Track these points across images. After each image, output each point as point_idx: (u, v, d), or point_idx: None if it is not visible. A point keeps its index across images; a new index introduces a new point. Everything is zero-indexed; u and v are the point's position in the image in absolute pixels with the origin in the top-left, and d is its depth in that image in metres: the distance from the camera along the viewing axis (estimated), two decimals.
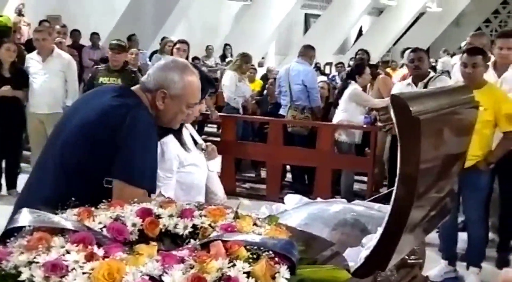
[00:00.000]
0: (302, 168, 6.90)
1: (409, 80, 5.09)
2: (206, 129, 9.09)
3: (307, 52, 6.88)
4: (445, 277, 4.35)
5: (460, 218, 4.60)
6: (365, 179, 6.47)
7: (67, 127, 2.09)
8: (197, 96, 2.21)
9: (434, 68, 6.40)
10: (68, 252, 1.30)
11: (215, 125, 8.98)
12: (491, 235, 4.94)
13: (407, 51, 5.46)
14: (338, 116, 6.21)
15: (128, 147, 1.97)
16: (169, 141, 2.44)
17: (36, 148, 6.31)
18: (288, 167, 7.14)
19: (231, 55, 12.04)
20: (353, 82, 6.17)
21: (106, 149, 1.98)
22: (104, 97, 2.11)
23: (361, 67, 6.40)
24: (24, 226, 1.46)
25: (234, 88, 7.19)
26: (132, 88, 2.20)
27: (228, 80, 7.23)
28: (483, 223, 4.38)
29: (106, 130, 2.00)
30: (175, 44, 6.22)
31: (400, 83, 5.35)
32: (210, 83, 2.51)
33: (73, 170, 2.01)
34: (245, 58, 7.41)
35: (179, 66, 2.17)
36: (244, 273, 1.30)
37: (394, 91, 5.14)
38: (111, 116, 2.02)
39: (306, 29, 19.06)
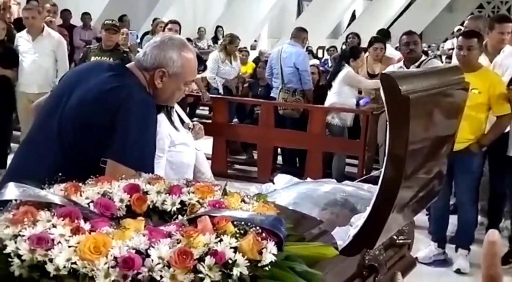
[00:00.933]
0: (293, 151, 6.91)
1: (401, 63, 5.09)
2: (198, 111, 9.07)
3: (300, 34, 6.85)
4: (434, 259, 4.39)
5: (451, 201, 4.63)
6: (356, 162, 6.48)
7: (63, 107, 2.06)
8: (195, 73, 2.21)
9: (426, 53, 6.39)
10: (54, 226, 1.29)
11: (206, 108, 8.95)
12: (480, 218, 4.98)
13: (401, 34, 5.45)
14: (331, 99, 6.21)
15: (125, 127, 1.96)
16: (161, 120, 2.43)
17: (26, 128, 6.26)
18: (279, 150, 7.14)
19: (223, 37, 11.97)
20: (346, 65, 6.15)
21: (103, 130, 1.96)
22: (101, 77, 2.07)
23: (356, 51, 6.37)
24: (10, 200, 1.45)
25: (215, 68, 7.22)
26: (128, 66, 2.17)
27: (211, 61, 7.26)
28: (473, 206, 4.42)
29: (103, 112, 1.98)
30: (166, 24, 6.18)
31: (392, 66, 5.34)
32: (198, 60, 2.50)
33: (71, 149, 1.99)
34: (230, 38, 7.47)
35: (176, 43, 2.14)
36: (231, 248, 1.29)
37: None
38: (108, 98, 2.00)
39: (299, 12, 18.98)
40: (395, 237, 2.38)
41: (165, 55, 2.10)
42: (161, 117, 2.39)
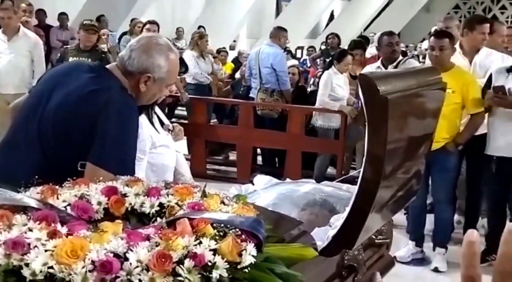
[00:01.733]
0: (272, 151, 6.91)
1: (378, 63, 5.12)
2: (176, 112, 9.02)
3: (277, 33, 6.84)
4: (412, 258, 4.42)
5: (428, 200, 4.66)
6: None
7: (43, 109, 2.02)
8: (176, 75, 2.20)
9: (404, 54, 6.44)
10: (30, 229, 1.27)
11: (184, 108, 8.91)
12: (457, 217, 5.04)
13: (378, 34, 5.48)
14: (317, 100, 6.17)
15: (105, 130, 1.93)
16: (142, 121, 2.41)
17: (2, 129, 6.17)
18: (258, 150, 7.14)
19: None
20: (332, 67, 6.13)
21: (83, 133, 1.94)
22: (81, 78, 2.04)
23: (342, 55, 6.31)
24: None
25: (196, 65, 7.21)
26: (108, 67, 2.13)
27: (189, 59, 7.23)
28: (450, 205, 4.46)
29: (84, 115, 1.95)
30: (144, 25, 6.14)
31: (370, 66, 5.37)
32: (180, 62, 2.48)
33: (51, 152, 1.96)
34: (198, 34, 7.55)
35: (164, 48, 2.11)
36: (210, 250, 1.29)
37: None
38: (88, 101, 1.97)
39: (277, 12, 19.00)
40: (374, 237, 2.39)
41: (153, 62, 2.07)
42: (142, 119, 2.37)
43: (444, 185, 4.32)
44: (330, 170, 6.74)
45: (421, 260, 4.45)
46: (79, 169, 1.88)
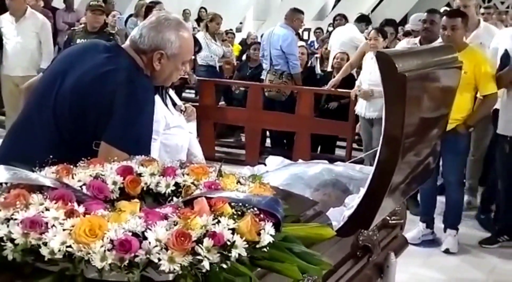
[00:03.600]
0: (281, 133, 6.88)
1: (416, 40, 5.03)
2: (184, 94, 9.01)
3: (292, 15, 6.72)
4: (422, 239, 4.41)
5: (438, 181, 4.64)
6: (344, 144, 6.48)
7: (58, 88, 2.00)
8: (192, 51, 2.16)
9: (408, 34, 6.36)
10: (47, 209, 1.26)
11: (193, 91, 8.88)
12: (466, 198, 5.02)
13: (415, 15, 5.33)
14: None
15: (121, 110, 1.90)
16: (156, 102, 2.39)
17: (11, 111, 6.18)
18: (267, 133, 7.11)
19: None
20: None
21: (100, 113, 1.91)
22: (97, 58, 2.01)
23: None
24: (1, 183, 1.41)
25: (206, 47, 7.18)
26: (124, 47, 2.10)
27: (200, 40, 7.18)
28: (461, 186, 4.45)
29: (100, 95, 1.93)
30: (150, 6, 6.08)
31: (406, 41, 5.27)
32: (194, 42, 2.44)
33: (67, 131, 1.95)
34: (211, 17, 7.48)
35: (173, 24, 2.07)
36: (229, 229, 1.27)
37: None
38: (105, 81, 1.94)
39: None
40: (388, 218, 2.38)
41: (163, 36, 2.04)
42: (156, 100, 2.34)
43: (455, 166, 4.30)
44: (340, 152, 6.72)
45: (431, 241, 4.44)
46: (93, 148, 1.86)
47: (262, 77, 6.84)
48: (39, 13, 6.35)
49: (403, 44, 5.17)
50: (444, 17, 4.17)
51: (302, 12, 6.87)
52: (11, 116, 6.17)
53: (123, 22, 9.53)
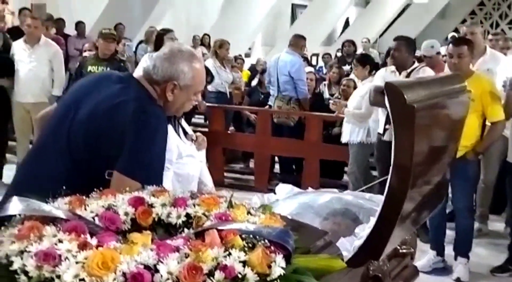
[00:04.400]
0: (289, 159, 6.89)
1: (393, 67, 5.08)
2: (193, 120, 9.05)
3: (297, 42, 6.81)
4: (433, 267, 4.37)
5: (448, 208, 4.62)
6: None
7: (72, 118, 2.03)
8: (204, 82, 2.20)
9: (419, 59, 6.37)
10: (60, 241, 1.27)
11: (202, 116, 8.94)
12: (477, 225, 4.99)
13: (427, 42, 5.41)
14: None
15: (134, 140, 1.93)
16: (169, 131, 2.41)
17: (22, 138, 6.24)
18: (276, 158, 7.12)
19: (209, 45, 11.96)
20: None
21: (113, 143, 1.94)
22: (110, 89, 2.05)
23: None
24: (15, 215, 1.43)
25: (217, 74, 7.23)
26: (136, 77, 2.14)
27: (210, 67, 7.24)
28: (471, 213, 4.42)
29: (114, 125, 1.96)
30: (161, 33, 6.16)
31: (384, 69, 5.32)
32: (206, 72, 2.48)
33: (81, 161, 1.97)
34: (220, 43, 7.50)
35: (186, 55, 2.11)
36: (240, 262, 1.28)
37: (378, 78, 5.14)
38: (119, 111, 1.98)
39: (293, 19, 18.99)
40: (398, 247, 2.37)
41: (177, 68, 2.08)
42: (168, 129, 2.37)
43: (465, 193, 4.28)
44: (346, 177, 6.71)
45: (442, 269, 4.40)
46: (106, 177, 1.88)
47: (270, 103, 6.88)
48: (52, 41, 6.44)
49: (382, 73, 5.21)
50: (450, 45, 4.20)
51: (305, 38, 6.97)
52: (22, 142, 6.22)
53: (132, 49, 9.65)
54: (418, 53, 5.73)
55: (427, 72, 4.79)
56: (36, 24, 5.96)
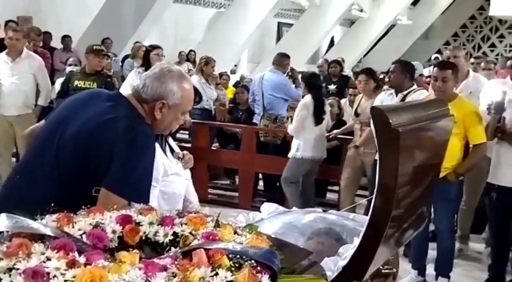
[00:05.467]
0: (273, 176, 6.91)
1: (392, 90, 5.15)
2: (178, 135, 9.04)
3: (282, 60, 6.86)
4: None
5: (430, 228, 4.66)
6: (337, 188, 6.50)
7: (61, 135, 2.04)
8: (192, 102, 2.23)
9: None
10: (48, 258, 1.28)
11: (187, 132, 8.94)
12: (458, 245, 5.03)
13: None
14: None
15: (121, 157, 1.95)
16: (156, 149, 2.43)
17: (4, 151, 6.19)
18: (260, 175, 7.14)
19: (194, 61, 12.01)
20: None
21: (101, 160, 1.95)
22: (99, 107, 2.07)
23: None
24: (2, 232, 1.43)
25: (203, 91, 7.26)
26: (125, 95, 2.16)
27: (196, 84, 7.26)
28: (452, 234, 4.46)
29: (102, 142, 1.98)
30: (149, 49, 6.18)
31: (383, 92, 5.40)
32: (194, 92, 2.50)
33: (69, 179, 1.98)
34: (205, 60, 7.53)
35: (176, 75, 2.15)
36: (227, 281, 1.29)
37: (377, 100, 5.22)
38: (107, 128, 2.00)
39: (278, 37, 19.14)
40: (380, 267, 2.39)
41: (166, 87, 2.11)
42: (155, 147, 2.38)
43: (446, 214, 4.33)
44: (332, 196, 6.75)
45: None
46: (93, 194, 1.89)
47: (255, 121, 6.91)
48: (34, 54, 6.39)
49: (381, 95, 5.31)
50: (435, 69, 4.27)
51: (289, 57, 7.04)
52: (4, 155, 6.18)
53: (119, 64, 9.65)
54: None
55: (424, 95, 4.84)
56: (17, 36, 5.92)
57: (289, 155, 5.85)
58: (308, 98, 5.75)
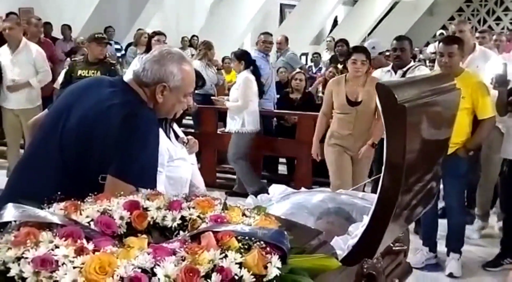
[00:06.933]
0: (275, 158, 6.96)
1: (389, 67, 5.10)
2: (184, 121, 9.03)
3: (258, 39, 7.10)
4: (426, 263, 4.41)
5: (440, 205, 4.65)
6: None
7: (64, 123, 2.03)
8: (193, 84, 2.21)
9: (414, 57, 6.31)
10: (57, 246, 1.28)
11: (191, 118, 8.92)
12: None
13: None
14: None
15: (126, 144, 1.94)
16: (160, 134, 2.42)
17: (12, 143, 6.22)
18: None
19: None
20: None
21: (105, 146, 1.94)
22: (101, 93, 2.06)
23: None
24: (10, 221, 1.43)
25: (206, 75, 7.28)
26: (127, 81, 2.15)
27: (199, 69, 7.26)
28: (462, 209, 4.46)
29: (105, 128, 1.96)
30: (152, 36, 6.15)
31: (380, 70, 5.34)
32: (197, 76, 2.49)
33: (73, 166, 1.97)
34: (207, 44, 7.61)
35: (176, 57, 2.13)
36: (236, 263, 1.29)
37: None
38: (110, 114, 1.98)
39: (281, 19, 19.01)
40: (391, 244, 2.39)
41: (166, 70, 2.09)
42: (160, 132, 2.37)
43: (456, 190, 4.32)
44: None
45: (435, 265, 4.44)
46: (100, 182, 1.89)
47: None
48: (33, 43, 6.35)
49: (378, 73, 5.21)
50: (441, 44, 4.22)
51: (268, 34, 7.18)
52: (12, 147, 6.20)
53: (113, 49, 9.59)
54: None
55: (423, 71, 4.80)
56: (10, 25, 5.94)
57: (232, 130, 6.05)
58: (248, 74, 5.96)
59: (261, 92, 6.17)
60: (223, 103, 6.37)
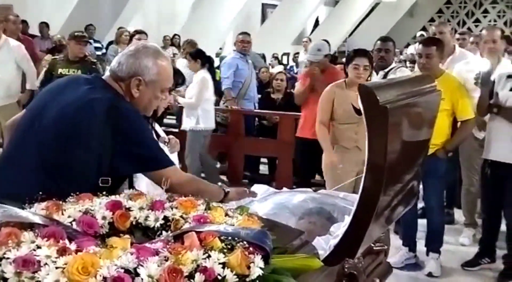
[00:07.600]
0: (257, 157, 6.96)
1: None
2: (165, 121, 8.99)
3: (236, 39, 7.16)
4: (406, 263, 4.44)
5: (419, 205, 4.69)
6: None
7: (40, 122, 2.01)
8: (171, 80, 2.19)
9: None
10: (39, 247, 1.27)
11: (174, 117, 8.90)
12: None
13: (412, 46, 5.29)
14: None
15: (129, 138, 1.95)
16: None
17: None
18: None
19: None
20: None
21: (82, 144, 1.93)
22: (80, 90, 2.04)
23: None
24: None
25: (189, 74, 7.28)
26: (104, 78, 2.13)
27: (183, 68, 7.24)
28: (441, 210, 4.50)
29: (82, 126, 1.94)
30: (133, 34, 6.12)
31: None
32: (176, 73, 2.48)
33: (52, 164, 1.94)
34: (190, 44, 7.64)
35: (151, 51, 2.11)
36: (219, 263, 1.29)
37: None
38: (88, 111, 1.96)
39: (263, 19, 19.03)
40: (372, 244, 2.40)
41: (140, 63, 2.08)
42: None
43: (435, 190, 4.35)
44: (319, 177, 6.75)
45: (414, 265, 4.47)
46: (100, 185, 1.87)
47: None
48: (13, 40, 6.25)
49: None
50: (420, 45, 4.26)
51: (246, 34, 7.18)
52: None
53: (92, 47, 9.52)
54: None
55: (404, 72, 4.82)
56: None
57: (187, 128, 6.03)
58: (205, 73, 6.01)
59: (217, 91, 6.30)
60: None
